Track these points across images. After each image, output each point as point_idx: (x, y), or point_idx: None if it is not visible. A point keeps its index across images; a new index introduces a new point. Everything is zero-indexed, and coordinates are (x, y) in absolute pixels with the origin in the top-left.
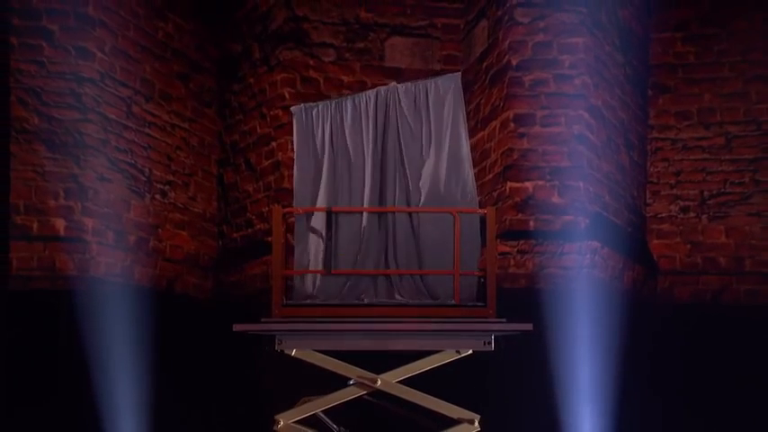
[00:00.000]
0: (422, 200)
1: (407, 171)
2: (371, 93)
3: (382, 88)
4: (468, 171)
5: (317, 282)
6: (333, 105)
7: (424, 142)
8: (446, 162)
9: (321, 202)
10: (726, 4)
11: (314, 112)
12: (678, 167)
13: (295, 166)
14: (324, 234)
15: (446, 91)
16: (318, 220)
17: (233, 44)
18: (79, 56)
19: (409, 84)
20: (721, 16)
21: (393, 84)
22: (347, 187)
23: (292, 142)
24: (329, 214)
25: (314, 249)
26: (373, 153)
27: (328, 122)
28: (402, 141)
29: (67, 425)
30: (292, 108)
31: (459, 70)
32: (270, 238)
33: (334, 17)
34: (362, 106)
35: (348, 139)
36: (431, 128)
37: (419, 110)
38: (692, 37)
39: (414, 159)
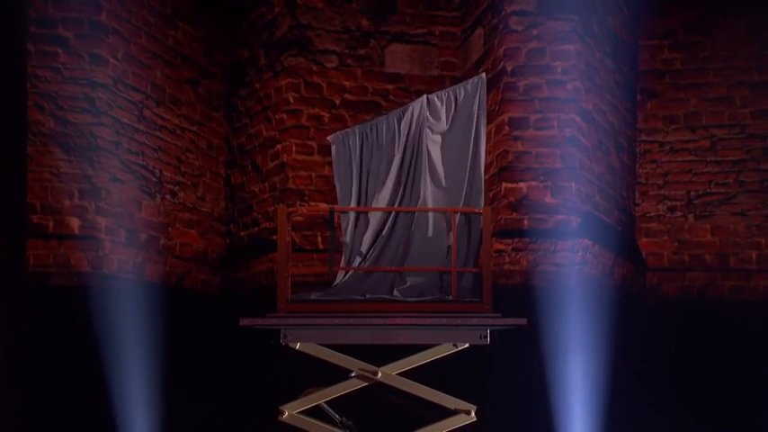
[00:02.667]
0: (445, 202)
1: (436, 175)
2: (402, 109)
3: (413, 103)
4: (482, 173)
5: (347, 277)
6: (368, 127)
7: (451, 146)
8: (468, 165)
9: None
10: (711, 13)
11: (350, 137)
12: (666, 169)
13: (337, 188)
14: (351, 233)
15: (473, 94)
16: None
17: (240, 51)
18: (93, 62)
19: (440, 92)
20: (706, 25)
21: (424, 96)
22: (378, 197)
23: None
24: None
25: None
26: (408, 162)
27: (365, 143)
28: (431, 149)
29: (82, 415)
30: (329, 137)
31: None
32: (275, 237)
33: (337, 25)
34: (395, 122)
35: (382, 154)
36: (459, 131)
37: (449, 115)
38: (678, 44)
39: (441, 163)
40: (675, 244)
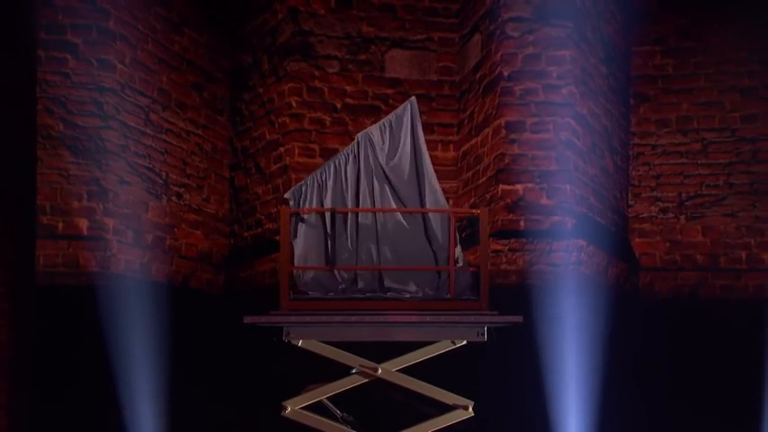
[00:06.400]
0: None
1: (395, 192)
2: (348, 149)
3: (355, 141)
4: (434, 180)
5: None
6: (318, 174)
7: (398, 168)
8: (418, 175)
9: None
10: (702, 19)
11: (303, 189)
12: (658, 171)
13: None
14: (324, 234)
15: (404, 115)
16: (318, 223)
17: (244, 56)
18: (101, 67)
19: (375, 125)
20: (697, 31)
21: (360, 133)
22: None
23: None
24: (332, 215)
25: (316, 248)
26: (366, 195)
27: (316, 190)
28: (384, 175)
29: (90, 412)
30: (286, 195)
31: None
32: (278, 237)
33: (338, 31)
34: (342, 165)
35: (335, 196)
36: (402, 151)
37: (387, 140)
38: (670, 50)
39: (397, 182)
40: (667, 244)
